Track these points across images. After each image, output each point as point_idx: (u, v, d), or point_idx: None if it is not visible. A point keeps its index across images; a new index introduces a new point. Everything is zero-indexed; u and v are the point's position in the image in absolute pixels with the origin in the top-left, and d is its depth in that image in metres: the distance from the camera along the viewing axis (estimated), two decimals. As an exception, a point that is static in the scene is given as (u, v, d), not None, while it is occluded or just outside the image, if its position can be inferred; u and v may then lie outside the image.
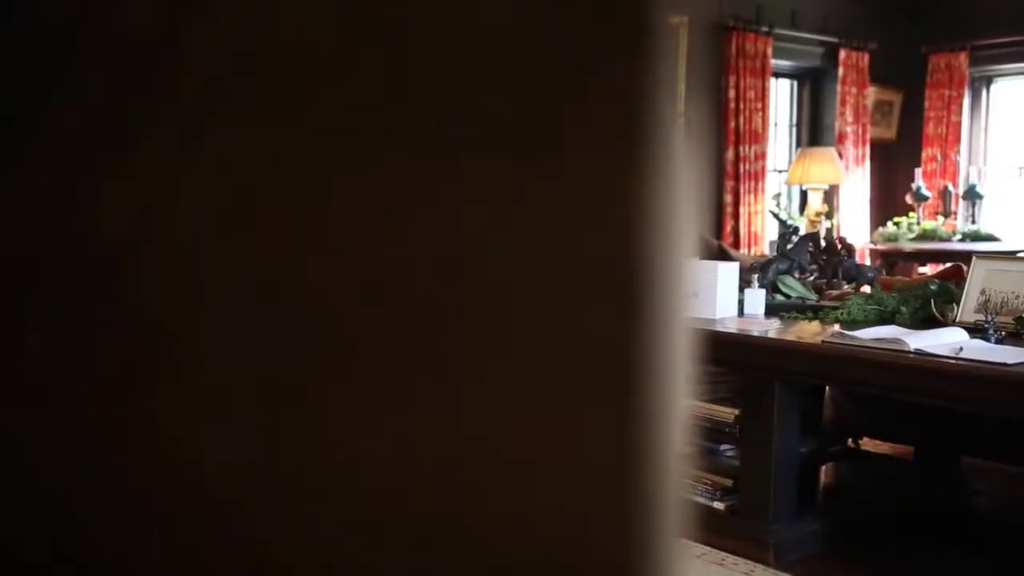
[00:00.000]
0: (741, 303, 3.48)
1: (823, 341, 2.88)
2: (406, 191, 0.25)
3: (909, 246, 7.22)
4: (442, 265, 0.25)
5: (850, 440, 4.02)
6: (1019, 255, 6.33)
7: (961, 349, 2.65)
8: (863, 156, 7.63)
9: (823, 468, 3.71)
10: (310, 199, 0.26)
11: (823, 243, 3.80)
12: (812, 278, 3.82)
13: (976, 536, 3.33)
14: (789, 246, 3.69)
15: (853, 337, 2.82)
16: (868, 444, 4.18)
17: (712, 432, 3.25)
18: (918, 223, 7.38)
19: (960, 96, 7.64)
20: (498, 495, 0.26)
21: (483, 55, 0.25)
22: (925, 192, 7.48)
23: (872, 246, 7.44)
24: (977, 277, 3.22)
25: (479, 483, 0.26)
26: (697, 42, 6.51)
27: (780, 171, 7.36)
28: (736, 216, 6.83)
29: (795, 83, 7.70)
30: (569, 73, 0.24)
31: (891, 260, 7.38)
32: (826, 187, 6.93)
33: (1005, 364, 2.46)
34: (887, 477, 3.68)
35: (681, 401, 0.41)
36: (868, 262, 7.41)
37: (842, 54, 7.42)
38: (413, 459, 0.27)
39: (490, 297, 0.25)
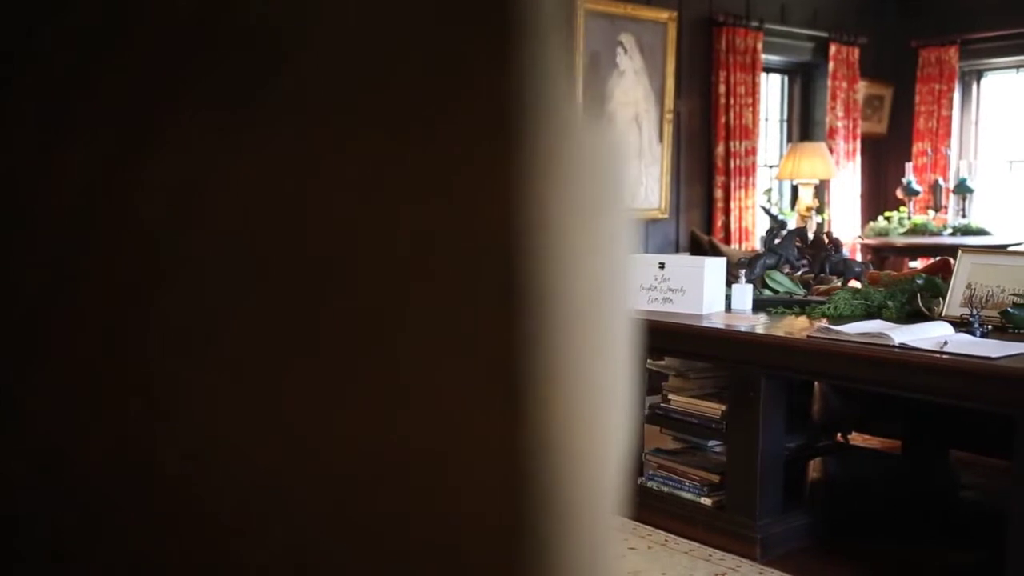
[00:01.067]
0: (729, 298, 3.49)
1: (808, 336, 2.88)
2: (279, 185, 0.25)
3: (900, 240, 7.22)
4: (314, 257, 0.25)
5: (839, 435, 4.02)
6: (1010, 249, 6.34)
7: (945, 343, 2.65)
8: (854, 151, 7.63)
9: (812, 463, 3.71)
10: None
11: (811, 238, 3.80)
12: (800, 273, 3.82)
13: (964, 530, 3.33)
14: (776, 241, 3.68)
15: (838, 332, 2.82)
16: (857, 439, 4.18)
17: (699, 428, 3.25)
18: (909, 217, 7.39)
19: (950, 90, 7.64)
20: (379, 493, 0.26)
21: (355, 51, 0.24)
22: (916, 186, 7.48)
23: (863, 241, 7.45)
24: (963, 271, 3.22)
25: (359, 481, 0.26)
26: (687, 38, 6.52)
27: (771, 166, 7.36)
28: (727, 211, 6.83)
29: (786, 78, 7.70)
30: (442, 71, 0.24)
31: (882, 255, 7.38)
32: (817, 182, 6.93)
33: (988, 358, 2.46)
34: (876, 472, 3.68)
35: (608, 394, 0.41)
36: (859, 257, 7.42)
37: (832, 49, 7.41)
38: (294, 458, 0.26)
39: (362, 291, 0.24)
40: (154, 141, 0.26)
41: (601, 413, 0.37)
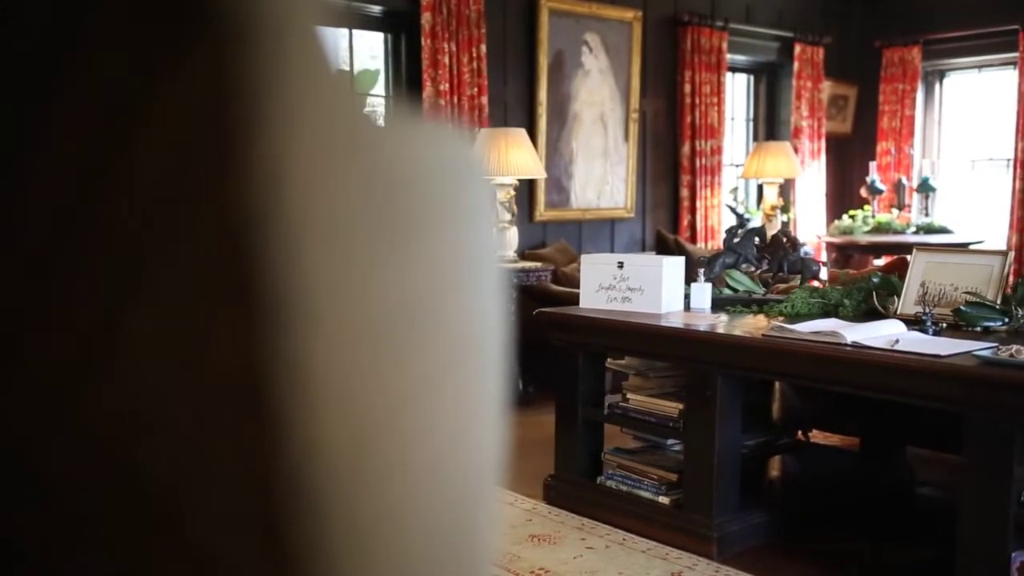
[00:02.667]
0: (688, 298, 3.49)
1: (763, 335, 2.89)
2: None
3: (864, 239, 7.29)
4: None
5: (800, 433, 4.04)
6: (971, 247, 6.41)
7: (897, 341, 2.67)
8: (819, 150, 7.69)
9: (771, 461, 3.73)
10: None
11: (769, 237, 3.82)
12: (759, 272, 3.84)
13: (920, 525, 3.36)
14: (735, 240, 3.70)
15: (792, 331, 2.83)
16: (818, 436, 4.21)
17: (657, 427, 3.25)
18: (873, 216, 7.46)
19: (914, 90, 7.72)
20: (117, 529, 0.25)
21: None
22: (880, 185, 7.55)
23: (828, 239, 7.51)
24: (917, 270, 3.25)
25: (95, 517, 0.25)
26: (652, 37, 6.53)
27: (737, 165, 7.40)
28: (693, 211, 6.86)
29: (751, 78, 7.74)
30: (138, 70, 0.23)
31: (847, 253, 7.45)
32: (782, 181, 6.98)
33: (938, 356, 2.48)
34: (834, 469, 3.71)
35: (432, 400, 0.40)
36: (824, 255, 7.48)
37: (797, 48, 7.47)
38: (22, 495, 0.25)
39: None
40: None
41: (421, 419, 0.37)
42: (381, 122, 0.34)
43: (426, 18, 5.28)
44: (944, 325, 3.00)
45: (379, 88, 5.72)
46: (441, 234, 0.39)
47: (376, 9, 5.35)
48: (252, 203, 0.23)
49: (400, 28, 5.47)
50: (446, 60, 5.35)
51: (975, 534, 2.45)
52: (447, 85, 5.36)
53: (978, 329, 2.93)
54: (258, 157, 0.23)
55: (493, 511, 0.47)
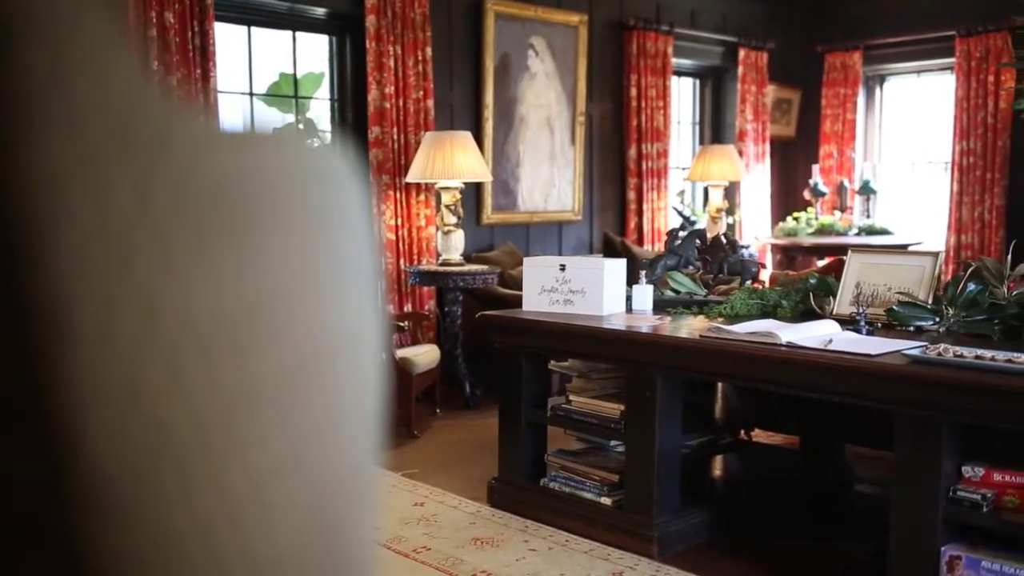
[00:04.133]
0: (630, 299, 3.52)
1: (701, 336, 2.92)
2: None
3: (808, 240, 7.40)
4: None
5: (743, 432, 4.09)
6: (910, 248, 6.54)
7: (831, 341, 2.72)
8: (763, 153, 7.79)
9: (714, 460, 3.77)
10: None
11: (710, 239, 3.86)
12: (700, 273, 3.88)
13: (858, 521, 3.42)
14: (677, 243, 3.73)
15: (729, 332, 2.87)
16: (760, 435, 4.27)
17: (599, 428, 3.27)
18: (816, 218, 7.58)
19: (855, 94, 7.86)
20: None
21: None
22: (823, 188, 7.68)
23: (773, 241, 7.61)
24: (852, 271, 3.31)
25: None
26: (598, 41, 6.57)
27: (683, 168, 7.47)
28: (640, 213, 6.91)
29: (697, 82, 7.82)
30: None
31: (791, 254, 7.56)
32: (727, 184, 7.06)
33: (868, 355, 2.53)
34: (775, 467, 3.76)
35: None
36: (769, 257, 7.58)
37: (742, 53, 7.56)
38: None
39: None
40: None
41: (264, 418, 0.36)
42: (212, 126, 0.34)
43: (371, 21, 5.25)
44: (878, 325, 3.06)
45: (324, 91, 5.68)
46: (285, 236, 0.39)
47: (320, 11, 5.31)
48: (19, 213, 0.23)
49: (344, 31, 5.44)
50: (391, 63, 5.33)
51: (906, 529, 2.50)
52: (392, 88, 5.34)
53: (910, 328, 2.99)
54: (28, 165, 0.23)
55: (365, 513, 0.47)
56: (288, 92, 5.56)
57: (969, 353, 2.45)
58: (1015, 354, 2.42)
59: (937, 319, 2.98)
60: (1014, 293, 2.93)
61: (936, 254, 3.22)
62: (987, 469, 2.45)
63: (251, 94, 5.22)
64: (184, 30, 4.56)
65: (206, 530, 0.30)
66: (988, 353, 2.44)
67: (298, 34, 5.38)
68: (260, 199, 0.36)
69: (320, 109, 5.71)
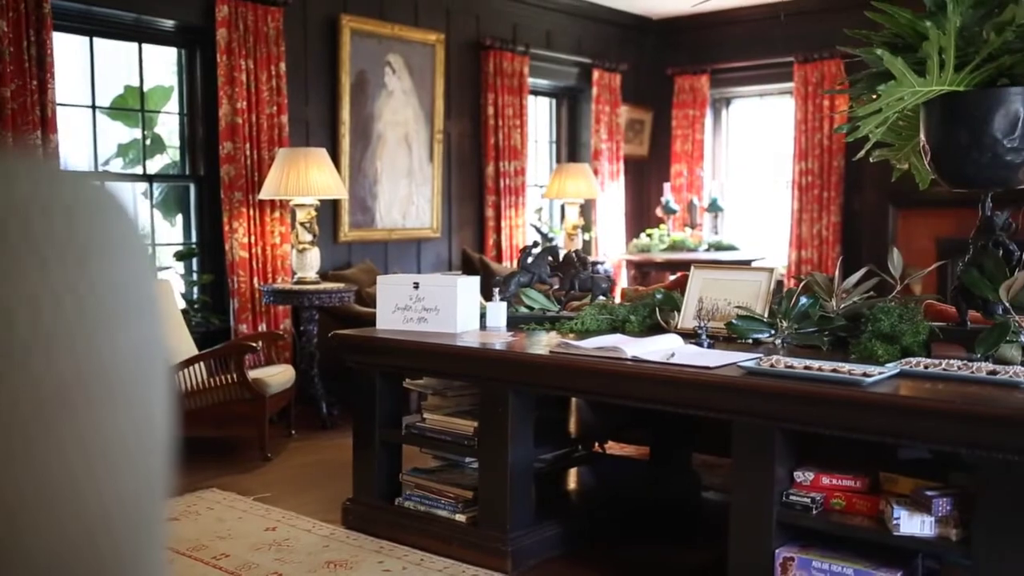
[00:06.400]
0: (484, 316, 3.55)
1: (550, 352, 2.98)
2: None
3: (660, 256, 7.65)
4: None
5: (596, 444, 4.19)
6: (754, 264, 6.84)
7: (673, 355, 2.82)
8: (617, 171, 8.01)
9: (568, 473, 3.84)
10: None
11: (562, 256, 3.94)
12: (553, 290, 3.95)
13: (704, 527, 3.55)
14: (530, 260, 3.79)
15: (577, 347, 2.94)
16: (613, 447, 4.37)
17: (453, 445, 3.28)
18: (668, 235, 7.84)
19: (703, 115, 8.19)
20: None
21: None
22: (674, 206, 7.95)
23: (628, 257, 7.83)
24: (695, 286, 3.44)
25: None
26: (455, 60, 6.62)
27: (541, 186, 7.60)
28: (498, 230, 6.99)
29: (553, 101, 7.98)
30: None
31: (644, 270, 7.79)
32: (582, 201, 7.22)
33: (707, 368, 2.64)
34: (627, 478, 3.85)
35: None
36: (624, 272, 7.78)
37: (596, 74, 7.76)
38: None
39: None
40: None
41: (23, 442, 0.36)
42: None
43: (221, 34, 5.14)
44: (719, 338, 3.19)
45: (173, 105, 5.51)
46: (43, 269, 0.39)
47: (168, 24, 5.16)
48: None
49: (195, 43, 5.30)
50: (243, 78, 5.23)
51: (743, 532, 2.61)
52: (245, 103, 5.23)
53: (749, 341, 3.13)
54: None
55: (148, 546, 0.47)
56: (135, 106, 5.36)
57: (799, 364, 2.59)
58: (840, 364, 2.57)
59: (772, 331, 3.13)
60: (842, 306, 3.11)
61: (771, 270, 3.39)
62: (816, 473, 2.59)
63: (94, 107, 5.01)
64: (19, 39, 4.35)
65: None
66: (816, 364, 2.58)
67: (145, 46, 5.21)
68: (16, 232, 0.35)
69: (169, 124, 5.54)
